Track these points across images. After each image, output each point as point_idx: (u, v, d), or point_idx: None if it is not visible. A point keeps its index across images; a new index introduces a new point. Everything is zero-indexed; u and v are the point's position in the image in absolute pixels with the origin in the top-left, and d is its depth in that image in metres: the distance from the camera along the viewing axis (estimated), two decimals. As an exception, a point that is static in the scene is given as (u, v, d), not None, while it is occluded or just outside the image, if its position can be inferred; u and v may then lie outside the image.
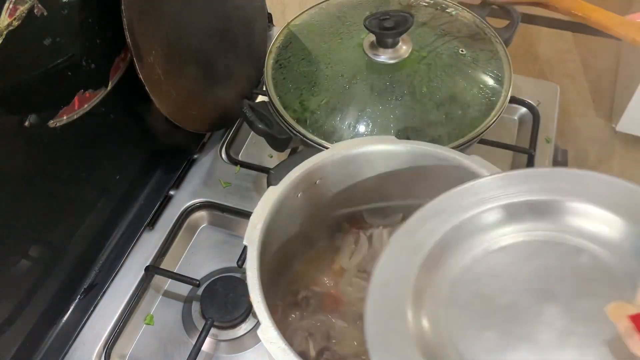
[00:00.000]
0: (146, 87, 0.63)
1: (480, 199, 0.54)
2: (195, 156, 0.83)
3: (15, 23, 0.48)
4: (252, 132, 0.88)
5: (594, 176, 0.50)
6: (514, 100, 0.87)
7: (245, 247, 0.51)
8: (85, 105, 0.60)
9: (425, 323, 0.48)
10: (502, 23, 0.82)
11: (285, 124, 0.69)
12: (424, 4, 0.85)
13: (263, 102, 0.72)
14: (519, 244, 0.51)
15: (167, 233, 0.73)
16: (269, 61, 0.77)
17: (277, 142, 0.68)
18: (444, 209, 0.54)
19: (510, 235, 0.52)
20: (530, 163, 0.78)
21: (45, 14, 0.51)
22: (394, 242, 0.53)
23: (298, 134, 0.68)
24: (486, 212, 0.53)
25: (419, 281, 0.50)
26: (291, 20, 0.82)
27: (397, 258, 0.51)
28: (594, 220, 0.50)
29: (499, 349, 0.44)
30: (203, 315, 0.66)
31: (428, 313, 0.48)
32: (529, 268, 0.49)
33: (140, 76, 0.62)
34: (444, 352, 0.45)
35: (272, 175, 0.59)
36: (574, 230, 0.50)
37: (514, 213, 0.53)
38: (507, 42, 0.80)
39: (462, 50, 0.84)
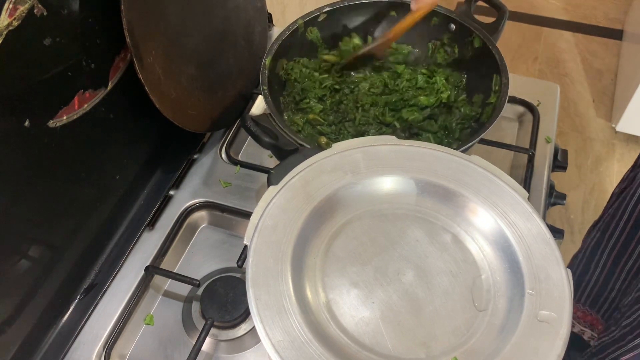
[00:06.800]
0: (146, 87, 0.63)
1: (381, 163, 0.60)
2: (195, 156, 0.83)
3: (15, 23, 0.48)
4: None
5: (501, 186, 0.58)
6: (514, 100, 0.87)
7: (245, 247, 0.51)
8: (85, 105, 0.60)
9: (303, 270, 0.54)
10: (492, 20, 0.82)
11: (290, 135, 0.69)
12: None
13: (264, 114, 0.72)
14: (399, 215, 0.59)
15: (167, 233, 0.73)
16: (265, 72, 0.77)
17: (284, 153, 0.68)
18: (342, 166, 0.59)
19: (396, 205, 0.60)
20: (530, 163, 0.78)
21: (45, 14, 0.51)
22: (288, 187, 0.57)
23: (304, 143, 0.68)
24: (383, 178, 0.60)
25: (305, 229, 0.55)
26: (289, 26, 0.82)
27: (289, 202, 0.56)
28: (476, 215, 0.58)
29: (361, 304, 0.52)
30: (203, 315, 0.66)
31: (307, 261, 0.54)
32: (403, 237, 0.57)
33: (140, 76, 0.62)
34: (316, 296, 0.52)
35: (272, 175, 0.59)
36: (453, 217, 0.59)
37: (410, 187, 0.60)
38: (495, 37, 0.80)
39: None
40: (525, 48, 2.19)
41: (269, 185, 0.58)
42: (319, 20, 0.85)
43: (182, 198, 0.77)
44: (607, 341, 0.88)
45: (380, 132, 0.79)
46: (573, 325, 1.09)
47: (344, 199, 0.58)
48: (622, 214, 0.92)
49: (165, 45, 0.66)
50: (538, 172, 0.79)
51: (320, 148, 0.62)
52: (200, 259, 0.74)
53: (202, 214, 0.78)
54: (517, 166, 0.82)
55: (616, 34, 2.23)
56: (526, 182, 0.76)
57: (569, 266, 1.07)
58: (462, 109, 0.80)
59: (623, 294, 0.97)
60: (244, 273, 0.59)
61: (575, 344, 1.11)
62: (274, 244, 0.53)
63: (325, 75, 0.85)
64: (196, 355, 0.61)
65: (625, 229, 0.92)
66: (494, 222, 0.56)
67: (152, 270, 0.69)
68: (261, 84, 0.76)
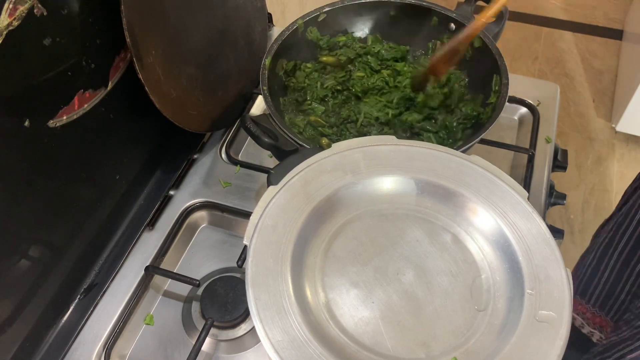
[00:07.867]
0: (146, 87, 0.63)
1: (381, 163, 0.60)
2: (195, 156, 0.83)
3: (15, 23, 0.48)
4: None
5: (503, 186, 0.58)
6: (514, 100, 0.87)
7: (245, 247, 0.51)
8: (85, 105, 0.60)
9: (303, 270, 0.54)
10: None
11: (289, 135, 0.69)
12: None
13: (264, 115, 0.72)
14: (399, 215, 0.59)
15: (167, 233, 0.73)
16: (265, 72, 0.77)
17: (284, 154, 0.68)
18: (342, 166, 0.60)
19: (396, 205, 0.60)
20: (530, 163, 0.78)
21: (45, 14, 0.51)
22: (288, 187, 0.57)
23: (303, 143, 0.68)
24: (383, 178, 0.60)
25: (305, 229, 0.55)
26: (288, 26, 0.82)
27: (289, 202, 0.56)
28: (476, 215, 0.58)
29: (361, 304, 0.52)
30: (203, 315, 0.66)
31: (307, 261, 0.54)
32: (403, 237, 0.57)
33: (140, 76, 0.62)
34: (316, 296, 0.52)
35: (272, 175, 0.59)
36: (453, 216, 0.59)
37: (410, 187, 0.60)
38: (496, 37, 0.80)
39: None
40: (525, 48, 2.19)
41: (268, 185, 0.58)
42: (319, 20, 0.85)
43: (182, 198, 0.77)
44: (615, 340, 0.88)
45: (382, 133, 0.79)
46: (582, 327, 1.08)
47: (343, 199, 0.58)
48: (635, 213, 0.91)
49: (165, 45, 0.66)
50: (538, 172, 0.79)
51: (321, 148, 0.62)
52: (200, 259, 0.74)
53: (202, 214, 0.78)
54: (517, 166, 0.82)
55: (616, 34, 2.23)
56: (526, 182, 0.76)
57: (578, 267, 1.06)
58: (464, 109, 0.80)
59: (634, 296, 0.96)
60: (244, 273, 0.59)
61: (584, 345, 1.10)
62: (274, 244, 0.53)
63: (327, 76, 0.85)
64: (196, 355, 0.61)
65: (638, 229, 0.91)
66: (494, 222, 0.56)
67: (152, 270, 0.69)
68: (261, 84, 0.76)
